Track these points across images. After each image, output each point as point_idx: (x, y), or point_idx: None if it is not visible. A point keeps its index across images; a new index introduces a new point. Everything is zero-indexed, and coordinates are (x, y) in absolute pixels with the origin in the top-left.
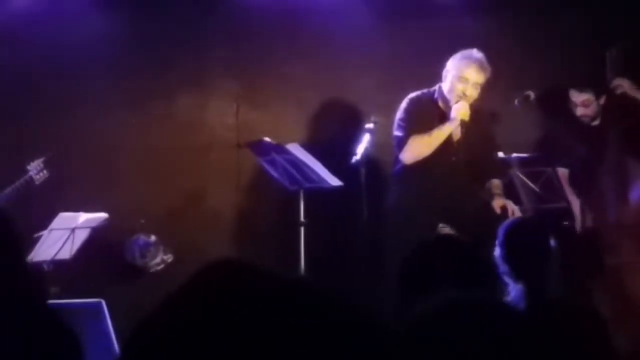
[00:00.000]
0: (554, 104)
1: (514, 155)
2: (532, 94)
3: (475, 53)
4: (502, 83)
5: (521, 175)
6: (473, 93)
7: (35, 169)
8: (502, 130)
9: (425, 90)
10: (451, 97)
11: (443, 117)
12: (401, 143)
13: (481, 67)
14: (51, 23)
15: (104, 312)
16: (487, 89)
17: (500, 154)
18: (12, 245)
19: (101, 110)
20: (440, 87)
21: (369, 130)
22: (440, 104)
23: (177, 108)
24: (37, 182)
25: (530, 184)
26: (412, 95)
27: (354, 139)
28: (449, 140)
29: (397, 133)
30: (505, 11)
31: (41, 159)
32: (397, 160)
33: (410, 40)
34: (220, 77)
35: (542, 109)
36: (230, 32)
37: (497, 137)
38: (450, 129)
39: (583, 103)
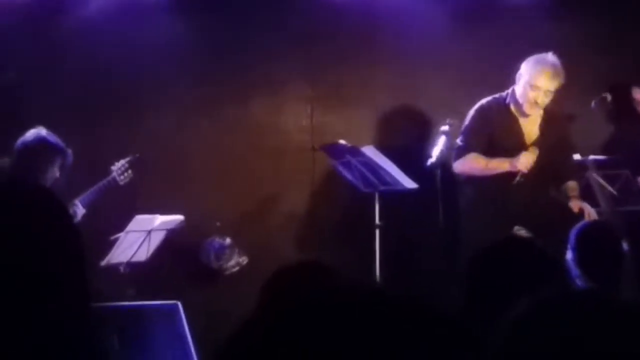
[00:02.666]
0: (629, 105)
1: (591, 157)
2: (609, 96)
3: (549, 58)
4: (578, 85)
5: (598, 178)
6: (545, 100)
7: (119, 170)
8: (579, 132)
9: (497, 95)
10: (523, 102)
11: (514, 121)
12: (459, 152)
13: (554, 73)
14: (128, 28)
15: (180, 313)
16: (563, 91)
17: (577, 156)
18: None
19: (177, 114)
20: (513, 91)
21: (445, 133)
22: (512, 107)
23: (251, 112)
24: (121, 183)
25: (607, 186)
26: (483, 101)
27: (429, 142)
28: (523, 143)
29: (459, 141)
30: (580, 13)
31: (126, 160)
32: None
33: (485, 42)
34: (294, 80)
35: (618, 111)
36: (304, 35)
37: (573, 139)
38: (506, 168)
39: None
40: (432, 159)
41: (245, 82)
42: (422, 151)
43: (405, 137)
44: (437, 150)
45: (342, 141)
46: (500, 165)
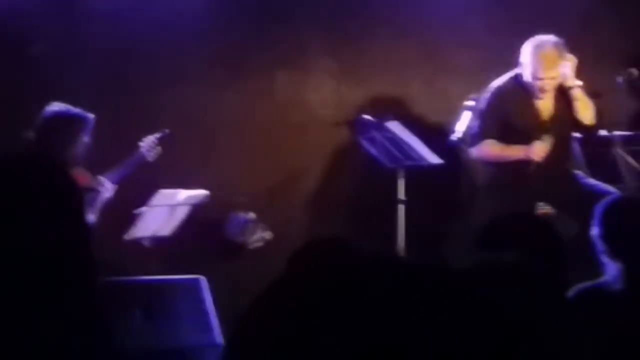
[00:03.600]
0: None
1: (617, 133)
2: (635, 72)
3: (546, 45)
4: (604, 61)
5: (624, 153)
6: (553, 83)
7: (148, 146)
8: (605, 108)
9: (511, 74)
10: (535, 86)
11: (529, 100)
12: (475, 138)
13: (554, 60)
14: (148, 1)
15: (203, 288)
16: (589, 67)
17: (604, 132)
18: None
19: (201, 88)
20: (519, 75)
21: (469, 108)
22: (522, 89)
23: (276, 85)
24: (149, 159)
25: (633, 162)
26: (498, 83)
27: (454, 117)
28: (540, 121)
29: (475, 127)
30: None
31: (155, 135)
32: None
33: (511, 16)
34: (319, 54)
35: None
36: (330, 10)
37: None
38: (521, 156)
39: None
40: (456, 134)
41: (270, 56)
42: (446, 126)
43: (430, 112)
44: (461, 125)
45: (366, 116)
46: (515, 152)
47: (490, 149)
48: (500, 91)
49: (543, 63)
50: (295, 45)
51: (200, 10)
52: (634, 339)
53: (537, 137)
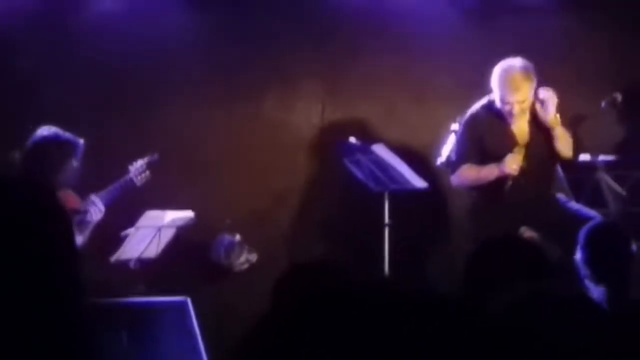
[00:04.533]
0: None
1: (601, 157)
2: (619, 96)
3: (512, 69)
4: (588, 85)
5: (607, 178)
6: (522, 107)
7: (137, 170)
8: (589, 132)
9: (484, 101)
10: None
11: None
12: (454, 166)
13: (519, 84)
14: (138, 22)
15: (189, 310)
16: (574, 90)
17: (587, 156)
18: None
19: (188, 110)
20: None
21: (455, 132)
22: (495, 114)
23: (263, 108)
24: (138, 184)
25: (617, 187)
26: (472, 110)
27: (439, 141)
28: (513, 143)
29: (453, 155)
30: (591, 11)
31: (144, 160)
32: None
33: (495, 40)
34: (305, 77)
35: (629, 111)
36: (317, 33)
37: (583, 139)
38: (496, 174)
39: None
40: (441, 158)
41: (257, 80)
42: (432, 150)
43: (416, 135)
44: (447, 149)
45: (352, 139)
46: (490, 172)
47: (467, 173)
48: (473, 118)
49: (510, 87)
50: (281, 68)
51: (188, 32)
52: None
53: None
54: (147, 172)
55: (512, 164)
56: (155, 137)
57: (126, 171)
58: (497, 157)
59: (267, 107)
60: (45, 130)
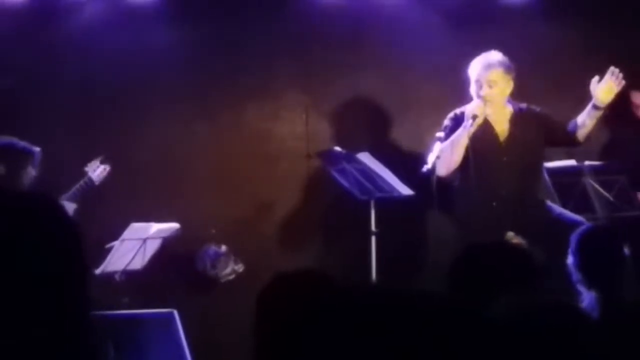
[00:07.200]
0: (627, 110)
1: (587, 163)
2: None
3: (493, 63)
4: (574, 89)
5: (594, 183)
6: (491, 92)
7: (93, 169)
8: None
9: (468, 104)
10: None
11: (485, 122)
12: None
13: (487, 62)
14: (123, 34)
15: (175, 322)
16: (559, 95)
17: (573, 162)
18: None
19: (171, 121)
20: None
21: (440, 139)
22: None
23: (246, 118)
24: (96, 183)
25: (604, 192)
26: (456, 110)
27: (425, 148)
28: (495, 141)
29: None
30: (576, 14)
31: (97, 159)
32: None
33: (478, 45)
34: (289, 87)
35: (616, 116)
36: (299, 42)
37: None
38: (464, 131)
39: None
40: (427, 166)
41: (240, 89)
42: (417, 157)
43: (401, 143)
44: (432, 156)
45: (337, 148)
46: (458, 134)
47: (443, 151)
48: (456, 115)
49: (476, 64)
50: (265, 77)
51: (170, 43)
52: None
53: (495, 159)
54: (103, 168)
55: (472, 111)
56: (137, 148)
57: (83, 173)
58: (478, 155)
59: (250, 117)
60: (0, 139)
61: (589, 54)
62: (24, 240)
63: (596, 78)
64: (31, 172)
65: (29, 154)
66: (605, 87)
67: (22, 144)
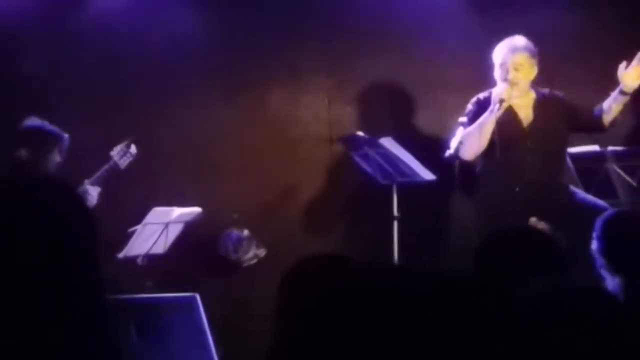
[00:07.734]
0: None
1: (610, 148)
2: None
3: (519, 47)
4: (596, 75)
5: (617, 169)
6: (517, 75)
7: (119, 154)
8: None
9: (492, 90)
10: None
11: (508, 108)
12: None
13: (512, 46)
14: (145, 19)
15: (198, 306)
16: (581, 81)
17: (596, 147)
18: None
19: (194, 106)
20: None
21: (463, 124)
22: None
23: (269, 103)
24: (122, 167)
25: (627, 178)
26: (479, 95)
27: (447, 133)
28: (518, 126)
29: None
30: (601, 0)
31: (123, 143)
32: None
33: (504, 32)
34: (312, 71)
35: (637, 101)
36: (322, 27)
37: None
38: (491, 115)
39: None
40: (450, 150)
41: (263, 74)
42: (440, 142)
43: (424, 128)
44: (455, 141)
45: (359, 132)
46: (484, 117)
47: (467, 134)
48: (479, 100)
49: (501, 49)
50: (288, 62)
51: (193, 27)
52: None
53: (519, 144)
54: (129, 153)
55: (499, 95)
56: (160, 133)
57: (108, 158)
58: (501, 140)
59: (273, 102)
60: (30, 121)
61: (616, 40)
62: (33, 228)
63: (623, 64)
64: (57, 157)
65: (57, 138)
66: (632, 73)
67: (51, 127)
